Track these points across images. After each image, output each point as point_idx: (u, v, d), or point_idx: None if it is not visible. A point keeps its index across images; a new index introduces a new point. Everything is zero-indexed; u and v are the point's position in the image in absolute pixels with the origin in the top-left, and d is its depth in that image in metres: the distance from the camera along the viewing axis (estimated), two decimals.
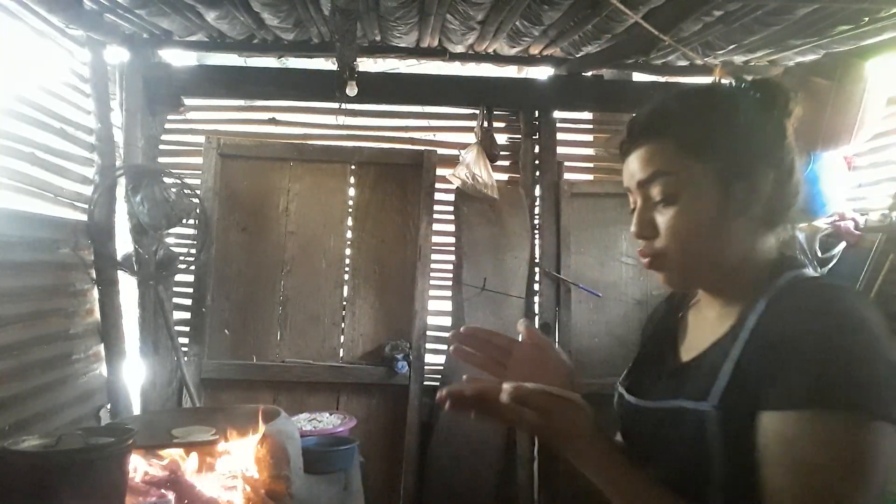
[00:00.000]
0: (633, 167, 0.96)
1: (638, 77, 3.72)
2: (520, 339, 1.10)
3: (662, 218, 0.93)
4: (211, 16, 2.91)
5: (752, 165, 0.90)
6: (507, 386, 0.88)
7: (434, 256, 3.50)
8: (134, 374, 3.17)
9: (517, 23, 2.93)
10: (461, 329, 1.11)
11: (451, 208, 3.51)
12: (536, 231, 3.52)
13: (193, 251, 3.26)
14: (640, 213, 0.96)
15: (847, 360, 0.78)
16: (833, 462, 0.77)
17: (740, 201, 0.90)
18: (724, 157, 0.90)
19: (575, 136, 3.72)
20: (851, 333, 0.79)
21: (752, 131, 0.91)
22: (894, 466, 0.77)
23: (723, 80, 1.02)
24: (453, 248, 3.50)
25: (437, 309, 3.56)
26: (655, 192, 0.93)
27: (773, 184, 0.91)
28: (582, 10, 2.75)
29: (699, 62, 3.28)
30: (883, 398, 0.76)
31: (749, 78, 0.97)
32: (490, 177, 3.32)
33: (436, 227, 3.50)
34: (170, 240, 3.32)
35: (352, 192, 3.50)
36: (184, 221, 3.17)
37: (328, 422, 2.90)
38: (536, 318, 3.46)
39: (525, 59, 3.54)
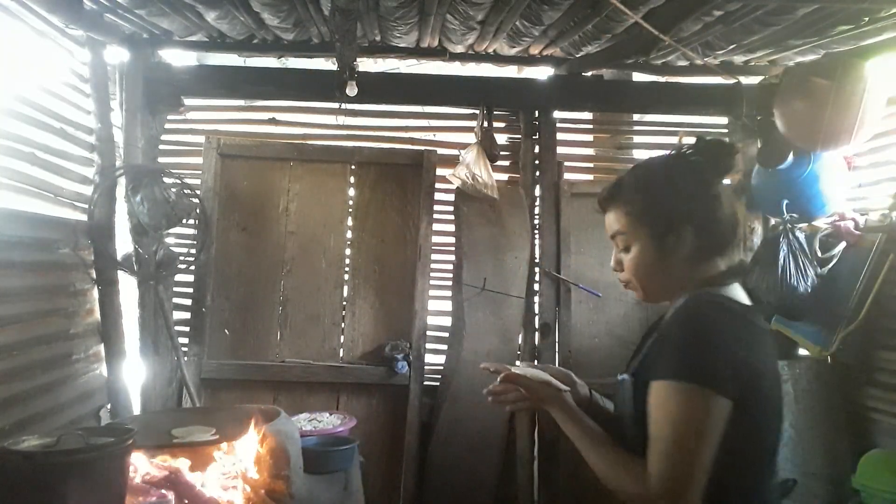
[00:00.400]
0: (606, 225, 1.39)
1: (638, 77, 3.72)
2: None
3: (625, 259, 1.36)
4: (211, 16, 2.91)
5: (676, 223, 1.28)
6: (501, 374, 1.42)
7: (434, 256, 3.50)
8: (134, 374, 3.17)
9: (517, 23, 2.93)
10: (498, 385, 1.45)
11: (451, 208, 3.51)
12: (536, 231, 3.52)
13: (193, 251, 3.26)
14: (614, 255, 1.40)
15: (692, 349, 1.16)
16: (677, 420, 1.13)
17: (671, 247, 1.30)
18: (656, 220, 1.30)
19: (575, 136, 3.72)
20: (698, 332, 1.18)
21: (678, 198, 1.29)
22: (722, 421, 1.12)
23: (685, 140, 1.36)
24: (453, 248, 3.50)
25: (437, 309, 3.56)
26: (618, 242, 1.37)
27: (694, 233, 1.28)
28: (582, 10, 2.75)
29: (699, 62, 3.29)
30: (713, 375, 1.13)
31: (698, 141, 1.31)
32: (490, 177, 3.32)
33: (436, 227, 3.50)
34: (170, 240, 3.32)
35: (352, 192, 3.50)
36: (184, 221, 3.17)
37: (328, 422, 2.90)
38: (536, 318, 3.46)
39: (525, 59, 3.54)
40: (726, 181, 1.33)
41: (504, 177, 3.60)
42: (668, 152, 1.39)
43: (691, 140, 1.32)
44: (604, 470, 1.25)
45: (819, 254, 3.16)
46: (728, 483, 1.14)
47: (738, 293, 1.30)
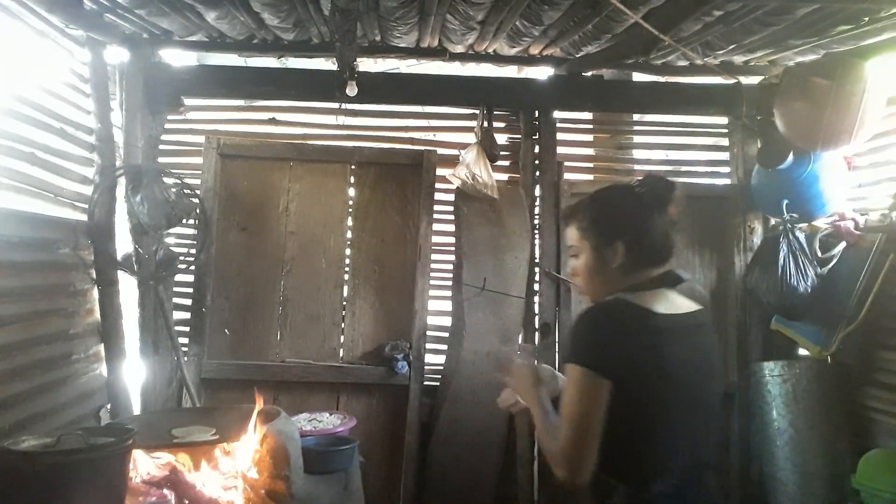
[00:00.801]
0: (566, 237, 1.71)
1: (638, 77, 3.72)
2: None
3: (575, 265, 1.66)
4: (211, 16, 2.91)
5: (613, 240, 1.56)
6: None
7: (434, 256, 3.50)
8: (134, 374, 3.17)
9: (517, 23, 2.93)
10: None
11: (451, 208, 3.51)
12: (536, 231, 3.51)
13: (193, 251, 3.26)
14: (570, 262, 1.69)
15: (578, 339, 1.48)
16: (571, 396, 1.43)
17: (608, 259, 1.57)
18: (598, 236, 1.59)
19: (575, 136, 3.72)
20: (583, 327, 1.49)
21: (617, 221, 1.58)
22: (603, 397, 1.40)
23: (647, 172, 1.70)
24: (453, 248, 3.50)
25: (437, 309, 3.56)
26: (572, 252, 1.67)
27: (627, 249, 1.55)
28: (582, 10, 2.75)
29: (699, 62, 3.29)
30: (595, 360, 1.42)
31: (646, 177, 1.60)
32: (490, 177, 3.32)
33: (436, 227, 3.50)
34: (170, 240, 3.32)
35: (352, 191, 3.50)
36: (184, 221, 3.17)
37: (328, 422, 2.90)
38: (536, 318, 3.46)
39: (525, 59, 3.54)
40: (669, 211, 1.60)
41: (504, 177, 3.60)
42: (621, 183, 1.66)
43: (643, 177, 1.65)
44: (542, 440, 1.56)
45: (819, 254, 3.16)
46: (616, 449, 1.43)
47: (660, 298, 1.53)
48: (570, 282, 1.89)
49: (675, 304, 1.54)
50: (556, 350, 3.45)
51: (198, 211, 3.21)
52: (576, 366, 1.43)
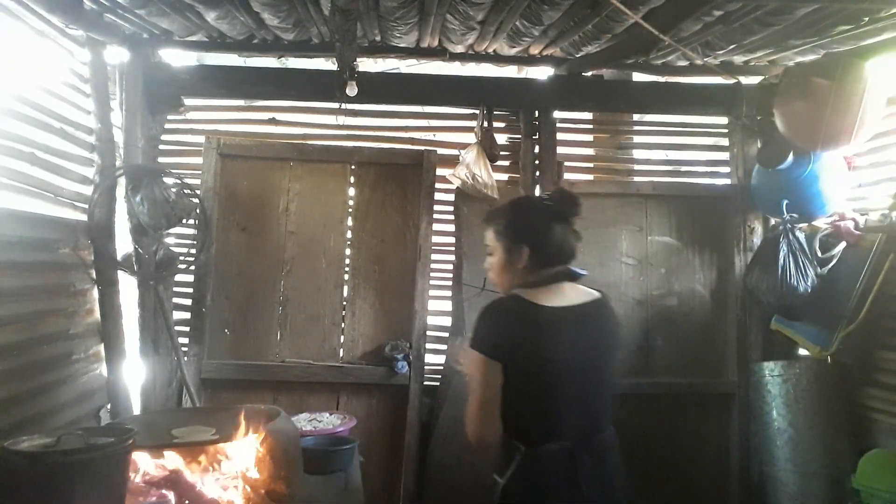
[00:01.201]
0: (486, 236, 1.94)
1: (638, 77, 3.73)
2: None
3: (491, 263, 1.91)
4: (211, 16, 2.91)
5: (519, 244, 1.83)
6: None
7: (434, 256, 3.50)
8: (134, 374, 3.17)
9: (517, 23, 2.93)
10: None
11: (451, 208, 3.51)
12: None
13: (193, 251, 3.26)
14: (487, 259, 1.94)
15: (477, 329, 1.76)
16: (474, 372, 1.73)
17: (515, 260, 1.84)
18: (508, 238, 1.86)
19: (575, 136, 3.72)
20: (482, 319, 1.76)
21: (524, 226, 1.85)
22: (495, 375, 1.70)
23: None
24: (453, 248, 3.50)
25: (437, 309, 3.56)
26: (488, 251, 1.92)
27: (530, 251, 1.82)
28: (582, 10, 2.75)
29: (699, 62, 3.29)
30: (485, 346, 1.72)
31: (554, 191, 1.94)
32: (490, 177, 3.32)
33: (436, 227, 3.50)
34: (170, 240, 3.32)
35: (352, 191, 3.50)
36: (184, 221, 3.17)
37: (328, 422, 2.90)
38: None
39: (525, 59, 3.54)
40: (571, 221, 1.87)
41: (504, 177, 3.60)
42: (533, 195, 1.99)
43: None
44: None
45: (819, 254, 3.16)
46: (516, 417, 1.74)
47: (552, 293, 1.80)
48: (488, 275, 1.99)
49: (566, 297, 1.82)
50: None
51: (198, 211, 3.21)
52: (471, 350, 1.77)
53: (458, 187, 3.36)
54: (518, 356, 1.71)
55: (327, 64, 3.60)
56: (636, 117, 4.00)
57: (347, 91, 3.06)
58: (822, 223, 3.28)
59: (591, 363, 1.82)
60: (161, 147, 3.47)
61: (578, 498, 1.73)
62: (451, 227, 3.52)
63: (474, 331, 1.78)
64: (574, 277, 1.85)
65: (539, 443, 1.75)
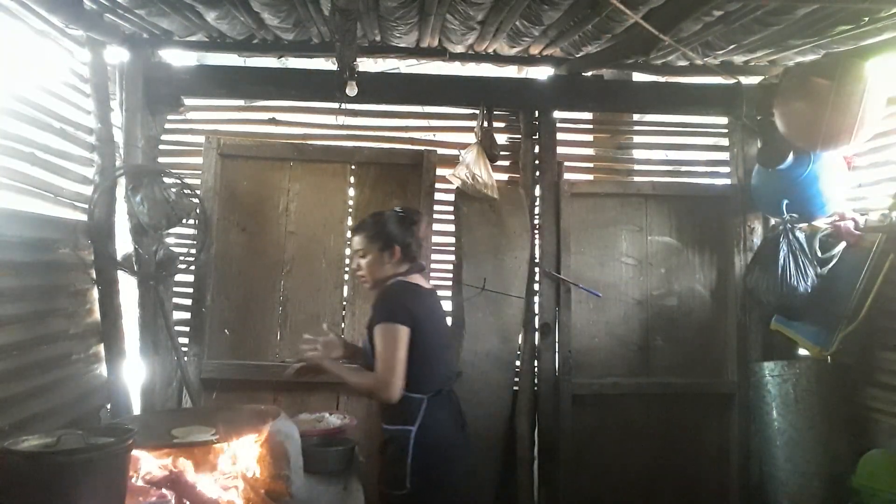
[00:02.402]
0: (353, 244, 2.50)
1: (638, 77, 3.73)
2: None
3: (362, 264, 2.44)
4: (211, 16, 2.91)
5: (392, 245, 2.39)
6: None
7: (434, 256, 3.50)
8: (134, 374, 3.17)
9: (517, 23, 2.93)
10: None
11: (451, 208, 3.51)
12: (536, 231, 3.52)
13: (193, 251, 3.26)
14: (356, 261, 2.48)
15: (384, 305, 2.30)
16: (384, 342, 2.22)
17: (383, 258, 2.40)
18: (381, 242, 2.40)
19: (575, 136, 3.72)
20: (387, 296, 2.32)
21: (391, 231, 2.41)
22: (405, 338, 2.22)
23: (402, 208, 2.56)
24: (453, 248, 3.50)
25: None
26: (360, 255, 2.44)
27: (401, 251, 2.40)
28: (582, 10, 2.75)
29: (699, 62, 3.29)
30: (395, 316, 2.23)
31: (403, 208, 2.53)
32: (490, 177, 3.32)
33: (436, 227, 3.50)
34: (170, 240, 3.31)
35: (352, 192, 3.50)
36: (184, 221, 3.17)
37: (328, 422, 2.90)
38: (536, 318, 3.46)
39: (525, 59, 3.54)
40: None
41: (504, 177, 3.60)
42: (390, 210, 2.53)
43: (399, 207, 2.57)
44: (356, 383, 2.33)
45: (819, 254, 3.16)
46: (415, 369, 2.25)
47: (417, 278, 2.45)
48: (356, 276, 2.52)
49: (424, 281, 2.52)
50: (556, 349, 3.45)
51: (198, 211, 3.21)
52: (382, 322, 2.24)
53: (458, 187, 3.36)
54: (415, 323, 2.25)
55: (327, 64, 3.60)
56: (636, 117, 4.00)
57: (347, 91, 3.06)
58: (822, 223, 3.28)
59: (446, 329, 2.61)
60: (161, 147, 3.47)
61: (464, 425, 2.47)
62: (451, 227, 3.52)
63: (382, 309, 2.28)
64: (422, 269, 2.52)
65: (433, 391, 2.32)
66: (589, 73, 3.59)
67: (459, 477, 2.37)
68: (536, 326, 3.46)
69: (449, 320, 3.45)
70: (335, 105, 3.44)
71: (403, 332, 2.21)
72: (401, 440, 2.26)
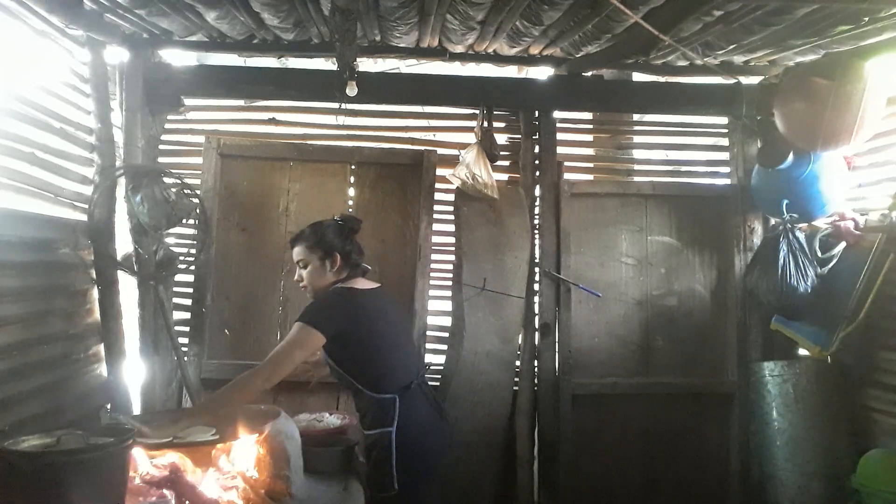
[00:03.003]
0: (293, 254, 2.55)
1: (638, 77, 3.73)
2: None
3: (304, 274, 2.50)
4: (211, 16, 2.91)
5: (332, 253, 2.47)
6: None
7: (434, 256, 3.50)
8: (134, 374, 3.17)
9: (517, 23, 2.93)
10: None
11: (451, 208, 3.51)
12: (536, 231, 3.52)
13: (193, 251, 3.26)
14: (298, 272, 2.53)
15: (312, 308, 2.37)
16: (289, 339, 2.27)
17: (329, 265, 2.47)
18: (321, 251, 2.47)
19: (575, 136, 3.72)
20: (315, 302, 2.42)
21: (332, 240, 2.49)
22: (314, 343, 2.28)
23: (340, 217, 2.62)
24: (453, 248, 3.50)
25: (437, 309, 3.56)
26: (300, 264, 2.51)
27: (340, 257, 2.47)
28: (582, 10, 2.75)
29: (699, 62, 3.29)
30: (315, 320, 2.27)
31: (343, 216, 2.60)
32: (490, 177, 3.32)
33: (436, 227, 3.50)
34: (170, 240, 3.32)
35: (352, 192, 3.50)
36: (184, 221, 3.17)
37: (328, 422, 2.89)
38: (536, 318, 3.46)
39: (525, 59, 3.54)
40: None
41: (504, 177, 3.60)
42: (329, 219, 2.58)
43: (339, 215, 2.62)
44: (236, 397, 2.24)
45: (819, 254, 3.16)
46: (375, 370, 2.35)
47: (360, 282, 2.51)
48: (299, 286, 2.57)
49: (367, 284, 2.53)
50: (556, 349, 3.45)
51: (198, 211, 3.21)
52: (299, 322, 2.28)
53: (458, 187, 3.36)
54: (352, 325, 2.32)
55: (327, 64, 3.60)
56: (636, 117, 4.00)
57: (347, 91, 3.06)
58: (822, 223, 3.28)
59: (401, 325, 2.63)
60: (161, 147, 3.47)
61: (442, 412, 2.52)
62: (451, 227, 3.51)
63: (307, 311, 2.33)
64: (365, 272, 2.59)
65: (401, 387, 2.36)
66: (589, 73, 3.59)
67: (444, 466, 2.48)
68: (536, 326, 3.46)
69: (448, 320, 3.49)
70: (335, 105, 3.44)
71: (314, 339, 2.26)
72: (383, 442, 2.30)
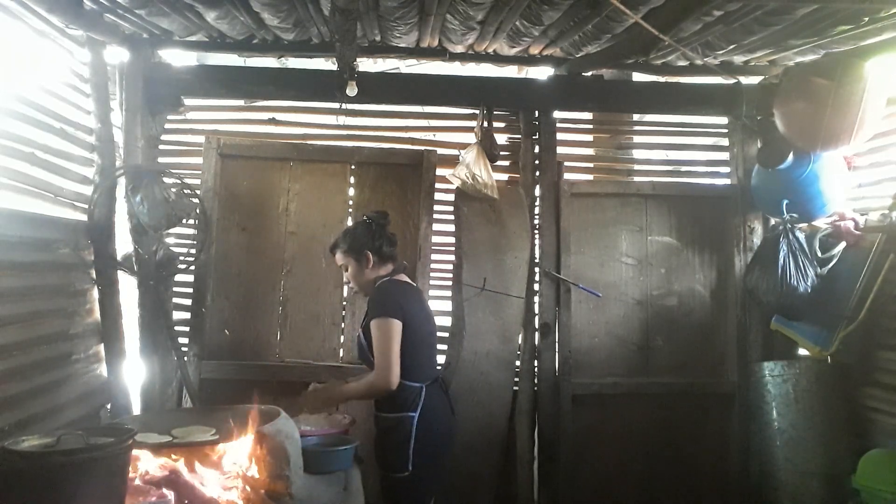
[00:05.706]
0: (336, 260, 2.74)
1: (638, 77, 3.73)
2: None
3: (348, 276, 2.73)
4: (211, 16, 2.91)
5: (363, 251, 2.64)
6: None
7: (434, 256, 3.50)
8: (134, 374, 3.17)
9: (517, 23, 2.93)
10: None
11: (451, 208, 3.51)
12: (536, 231, 3.52)
13: (193, 251, 3.26)
14: (345, 275, 2.77)
15: (378, 303, 2.53)
16: (380, 335, 2.45)
17: (361, 265, 2.66)
18: (354, 251, 2.66)
19: (575, 136, 3.72)
20: (381, 295, 2.56)
21: (362, 239, 2.66)
22: (399, 331, 2.45)
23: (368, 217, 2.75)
24: (453, 248, 3.50)
25: (437, 309, 3.55)
26: (344, 268, 2.73)
27: (373, 255, 2.64)
28: (582, 10, 2.75)
29: (699, 62, 3.29)
30: (389, 311, 2.47)
31: (371, 213, 2.74)
32: (490, 177, 3.32)
33: (436, 227, 3.50)
34: (170, 240, 3.32)
35: (352, 192, 3.50)
36: (184, 221, 3.17)
37: (328, 422, 2.89)
38: (536, 318, 3.46)
39: (525, 59, 3.54)
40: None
41: (504, 177, 3.60)
42: (359, 220, 2.84)
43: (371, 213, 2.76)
44: (361, 391, 2.56)
45: (819, 254, 3.16)
46: (410, 360, 2.47)
47: (403, 277, 2.70)
48: (350, 286, 2.95)
49: (406, 279, 2.72)
50: (556, 349, 3.45)
51: (198, 211, 3.21)
52: (377, 318, 2.46)
53: (458, 187, 3.36)
54: (408, 317, 2.48)
55: (327, 64, 3.60)
56: (636, 117, 4.00)
57: (347, 91, 3.06)
58: (822, 223, 3.28)
59: (433, 323, 2.77)
60: (161, 147, 3.47)
61: (453, 411, 2.70)
62: (451, 227, 3.51)
63: (375, 306, 2.50)
64: (404, 268, 2.75)
65: (430, 379, 2.58)
66: (589, 73, 3.59)
67: (451, 457, 2.67)
68: (536, 326, 3.46)
69: (448, 320, 3.49)
70: (335, 105, 3.44)
71: (396, 326, 2.45)
72: (404, 425, 2.48)
